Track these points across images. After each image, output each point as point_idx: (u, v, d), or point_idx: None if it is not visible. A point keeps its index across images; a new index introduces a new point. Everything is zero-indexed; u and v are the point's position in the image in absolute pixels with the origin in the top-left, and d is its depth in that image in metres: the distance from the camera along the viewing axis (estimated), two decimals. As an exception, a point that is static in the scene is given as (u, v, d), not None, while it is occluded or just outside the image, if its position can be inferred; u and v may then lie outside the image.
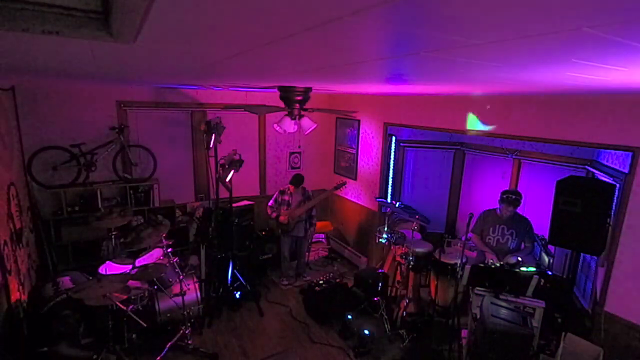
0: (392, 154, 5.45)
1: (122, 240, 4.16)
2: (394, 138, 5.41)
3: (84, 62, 1.76)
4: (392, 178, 5.54)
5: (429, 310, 4.21)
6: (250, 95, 5.57)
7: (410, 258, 4.14)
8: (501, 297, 3.19)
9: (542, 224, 4.22)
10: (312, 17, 0.76)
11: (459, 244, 4.38)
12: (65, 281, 3.70)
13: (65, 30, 0.86)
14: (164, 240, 3.80)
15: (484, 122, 4.02)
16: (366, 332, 3.86)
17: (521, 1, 0.61)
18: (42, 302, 3.40)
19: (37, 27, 0.84)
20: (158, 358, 3.45)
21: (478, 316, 3.10)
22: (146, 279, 3.56)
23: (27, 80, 3.87)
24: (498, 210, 3.96)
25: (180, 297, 3.68)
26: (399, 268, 4.35)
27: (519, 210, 3.97)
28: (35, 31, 0.85)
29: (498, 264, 3.73)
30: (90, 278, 3.57)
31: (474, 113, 4.11)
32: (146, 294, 3.68)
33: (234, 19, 0.82)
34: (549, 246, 4.18)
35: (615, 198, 3.04)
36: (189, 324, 3.76)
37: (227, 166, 4.36)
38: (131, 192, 4.80)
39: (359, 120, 5.76)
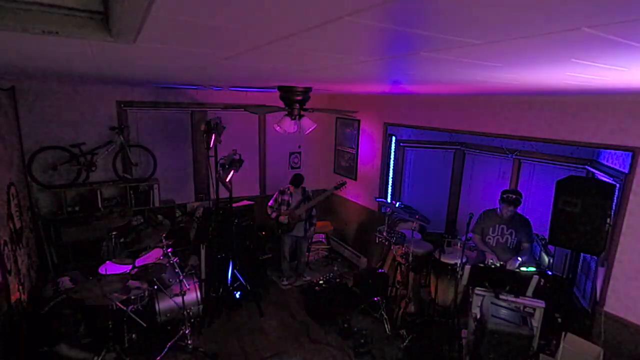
0: (392, 154, 5.45)
1: (122, 240, 4.16)
2: (394, 138, 5.41)
3: (84, 62, 1.76)
4: (392, 178, 5.54)
5: (429, 310, 4.21)
6: (250, 95, 5.57)
7: (410, 258, 4.14)
8: (501, 297, 3.19)
9: (542, 224, 4.22)
10: (311, 18, 0.76)
11: (459, 244, 4.39)
12: (65, 281, 3.71)
13: (65, 30, 0.86)
14: (164, 240, 3.80)
15: (484, 122, 4.02)
16: (366, 332, 3.85)
17: (521, 1, 0.61)
18: (42, 302, 3.41)
19: (37, 27, 0.84)
20: (158, 358, 3.45)
21: (478, 316, 3.11)
22: (146, 279, 3.57)
23: (27, 80, 3.87)
24: (498, 210, 3.95)
25: (180, 297, 3.68)
26: (399, 268, 4.35)
27: (519, 210, 3.97)
28: (35, 31, 0.85)
29: (498, 264, 3.73)
30: (90, 278, 3.57)
31: (474, 113, 4.11)
32: (146, 294, 3.68)
33: (233, 19, 0.82)
34: (549, 246, 4.18)
35: (615, 198, 3.04)
36: (189, 324, 3.76)
37: (227, 166, 4.36)
38: (131, 192, 4.80)
39: (359, 120, 5.76)
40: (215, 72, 2.14)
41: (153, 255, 4.11)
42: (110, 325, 3.24)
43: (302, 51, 1.23)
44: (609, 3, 0.59)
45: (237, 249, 4.88)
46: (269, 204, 5.03)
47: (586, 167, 4.03)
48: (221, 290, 4.50)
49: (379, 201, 5.33)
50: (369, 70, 1.76)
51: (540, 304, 3.20)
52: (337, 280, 4.68)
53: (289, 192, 4.97)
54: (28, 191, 4.26)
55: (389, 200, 5.45)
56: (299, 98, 3.36)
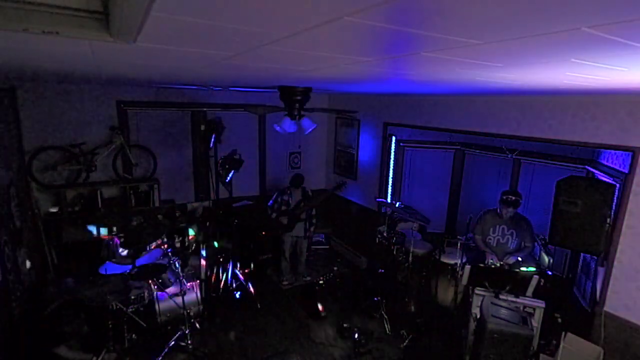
0: (392, 154, 5.45)
1: (122, 240, 4.16)
2: (394, 138, 5.41)
3: (84, 62, 1.76)
4: (392, 178, 5.54)
5: (429, 310, 4.21)
6: (250, 95, 5.57)
7: (410, 258, 4.14)
8: (501, 297, 3.19)
9: (542, 224, 4.22)
10: (311, 18, 0.76)
11: (459, 244, 4.39)
12: (68, 282, 3.71)
13: (65, 30, 0.86)
14: (164, 240, 3.80)
15: (484, 122, 4.02)
16: (366, 332, 3.85)
17: (521, 1, 0.61)
18: (45, 303, 3.41)
19: (37, 27, 0.84)
20: (158, 358, 3.45)
21: (478, 316, 3.11)
22: (146, 279, 3.57)
23: (27, 80, 3.87)
24: (498, 211, 3.96)
25: (180, 297, 3.68)
26: (399, 268, 4.35)
27: (519, 210, 3.98)
28: (35, 31, 0.86)
29: (498, 264, 3.74)
30: (91, 278, 3.57)
31: (474, 113, 4.11)
32: (146, 294, 3.68)
33: (233, 20, 0.82)
34: (549, 246, 4.18)
35: (615, 198, 3.05)
36: (189, 324, 3.76)
37: (227, 166, 4.36)
38: (131, 192, 4.80)
39: (359, 120, 5.76)
40: (215, 72, 2.14)
41: (153, 255, 4.11)
42: (110, 325, 3.24)
43: (302, 51, 1.23)
44: (609, 3, 0.59)
45: (237, 249, 4.88)
46: (269, 204, 5.03)
47: (586, 167, 4.03)
48: (221, 290, 4.50)
49: (379, 201, 5.33)
50: (369, 70, 1.76)
51: (540, 304, 3.20)
52: (337, 280, 4.68)
53: (288, 192, 4.97)
54: (28, 191, 4.26)
55: (389, 200, 5.45)
56: (299, 98, 3.36)
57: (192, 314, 3.89)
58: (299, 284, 5.18)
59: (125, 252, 4.17)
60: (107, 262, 3.91)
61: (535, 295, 3.26)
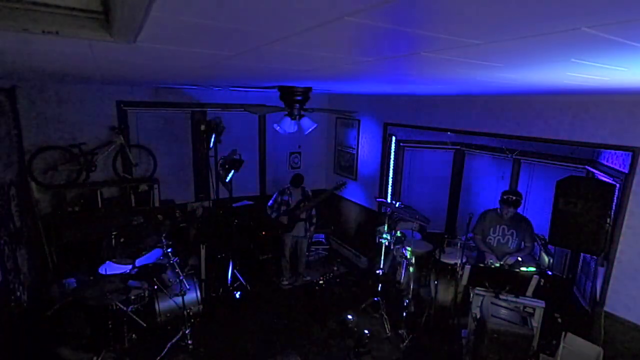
0: (392, 154, 5.45)
1: (122, 240, 4.16)
2: (394, 138, 5.41)
3: (84, 62, 1.76)
4: (392, 178, 5.54)
5: (429, 310, 4.21)
6: (250, 95, 5.57)
7: (410, 258, 4.14)
8: (501, 297, 3.19)
9: (542, 224, 4.22)
10: (311, 18, 0.76)
11: (459, 244, 4.39)
12: (72, 283, 3.71)
13: (65, 30, 0.86)
14: (164, 240, 3.80)
15: (484, 122, 4.02)
16: (366, 331, 3.85)
17: (521, 2, 0.61)
18: (48, 303, 3.40)
19: (37, 27, 0.84)
20: (158, 358, 3.45)
21: (478, 316, 3.11)
22: (146, 279, 3.57)
23: (27, 80, 3.87)
24: (498, 211, 3.95)
25: (180, 297, 3.68)
26: (399, 268, 4.35)
27: (519, 210, 3.97)
28: (35, 31, 0.86)
29: (498, 264, 3.73)
30: (91, 278, 3.57)
31: (474, 113, 4.11)
32: (146, 294, 3.68)
33: (233, 20, 0.82)
34: (549, 246, 4.18)
35: (615, 198, 3.05)
36: (189, 324, 3.76)
37: (227, 166, 4.36)
38: (131, 192, 4.80)
39: (359, 120, 5.76)
40: (215, 72, 2.14)
41: (153, 255, 4.11)
42: (110, 325, 3.24)
43: (302, 51, 1.23)
44: (609, 3, 0.59)
45: (237, 249, 4.88)
46: (269, 204, 5.03)
47: (586, 167, 4.03)
48: (221, 290, 4.50)
49: (379, 201, 5.33)
50: (369, 70, 1.76)
51: (540, 304, 3.20)
52: (337, 280, 4.68)
53: (288, 192, 4.97)
54: (28, 191, 4.26)
55: (389, 200, 5.45)
56: (299, 98, 3.36)
57: (192, 314, 3.89)
58: (299, 284, 5.18)
59: (125, 252, 4.17)
60: (107, 262, 3.91)
61: (535, 295, 3.26)
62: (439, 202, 5.72)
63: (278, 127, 3.62)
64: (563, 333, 3.12)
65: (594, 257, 3.55)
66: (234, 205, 4.85)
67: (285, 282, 5.20)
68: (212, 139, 4.42)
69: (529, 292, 3.26)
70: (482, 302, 3.13)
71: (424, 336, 3.95)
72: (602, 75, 1.49)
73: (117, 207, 4.71)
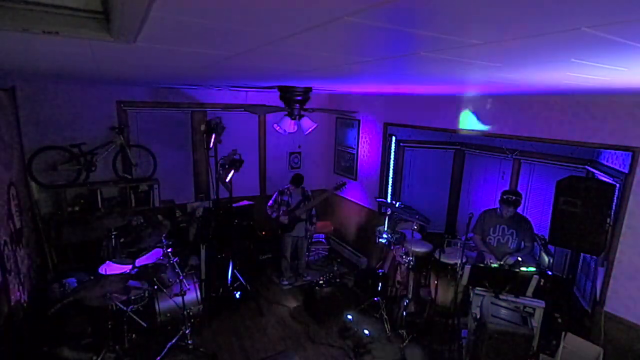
0: (392, 154, 5.45)
1: (122, 240, 4.16)
2: (394, 138, 5.41)
3: (84, 62, 1.76)
4: (392, 178, 5.54)
5: (429, 310, 4.21)
6: (250, 95, 5.57)
7: (410, 258, 4.14)
8: (501, 297, 3.19)
9: (542, 224, 4.22)
10: (311, 18, 0.76)
11: (459, 244, 4.39)
12: (72, 283, 3.71)
13: (65, 30, 0.86)
14: (164, 240, 3.80)
15: (484, 122, 4.02)
16: (366, 331, 3.85)
17: (521, 1, 0.61)
18: (49, 303, 3.40)
19: (37, 27, 0.84)
20: (158, 358, 3.45)
21: (478, 316, 3.11)
22: (146, 279, 3.57)
23: (27, 80, 3.87)
24: (498, 211, 3.95)
25: (180, 297, 3.68)
26: (399, 268, 4.35)
27: (519, 210, 3.97)
28: (35, 31, 0.86)
29: (497, 264, 3.73)
30: (91, 278, 3.57)
31: (474, 113, 4.11)
32: (146, 294, 3.68)
33: (233, 20, 0.82)
34: (549, 246, 4.18)
35: (615, 198, 3.05)
36: (189, 324, 3.76)
37: (227, 166, 4.36)
38: (131, 192, 4.80)
39: (359, 120, 5.76)
40: (215, 72, 2.14)
41: (153, 255, 4.11)
42: (110, 326, 3.24)
43: (302, 51, 1.23)
44: (609, 3, 0.59)
45: (237, 249, 4.88)
46: (269, 204, 5.03)
47: (586, 167, 4.03)
48: (221, 290, 4.50)
49: (379, 201, 5.33)
50: (369, 70, 1.76)
51: (540, 304, 3.20)
52: (337, 280, 4.68)
53: (288, 192, 4.97)
54: (28, 191, 4.26)
55: (389, 200, 5.45)
56: (299, 98, 3.36)
57: (192, 314, 3.89)
58: (299, 284, 5.18)
59: (125, 252, 4.17)
60: (107, 262, 3.91)
61: (535, 295, 3.25)
62: (439, 202, 5.72)
63: (278, 127, 3.62)
64: (563, 333, 3.12)
65: (594, 257, 3.55)
66: (234, 205, 4.85)
67: (285, 282, 5.20)
68: (212, 139, 4.42)
69: (529, 292, 3.26)
70: (482, 302, 3.13)
71: (424, 336, 3.95)
72: (602, 75, 1.49)
73: (117, 207, 4.71)
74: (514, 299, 3.20)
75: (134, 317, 3.34)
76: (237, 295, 4.58)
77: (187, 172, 5.50)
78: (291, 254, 5.25)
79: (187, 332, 3.70)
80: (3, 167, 3.40)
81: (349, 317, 4.18)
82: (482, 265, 3.56)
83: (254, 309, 4.52)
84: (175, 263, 3.83)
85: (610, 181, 3.31)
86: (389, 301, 4.42)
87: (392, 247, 4.73)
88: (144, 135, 5.02)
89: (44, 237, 4.37)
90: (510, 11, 0.67)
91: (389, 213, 4.81)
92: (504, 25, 0.77)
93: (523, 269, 3.50)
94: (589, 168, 3.96)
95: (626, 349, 3.07)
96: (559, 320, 3.39)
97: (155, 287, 3.74)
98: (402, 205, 4.52)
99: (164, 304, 3.77)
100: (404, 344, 3.88)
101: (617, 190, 3.14)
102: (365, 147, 5.70)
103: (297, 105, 3.41)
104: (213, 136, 4.40)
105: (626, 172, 3.06)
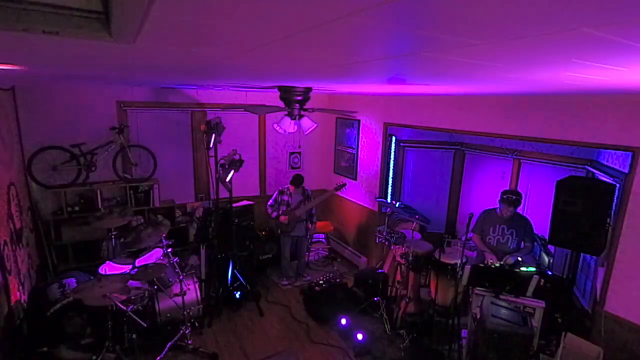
0: (392, 154, 5.45)
1: (122, 240, 4.16)
2: (394, 138, 5.41)
3: (84, 62, 1.76)
4: (392, 178, 5.54)
5: (429, 310, 4.20)
6: (250, 95, 5.57)
7: (410, 258, 4.13)
8: (501, 297, 3.19)
9: (542, 224, 4.22)
10: (311, 18, 0.76)
11: (459, 244, 4.38)
12: (71, 283, 3.71)
13: (65, 30, 0.86)
14: (164, 240, 3.80)
15: (484, 122, 4.02)
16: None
17: (521, 1, 0.61)
18: (49, 303, 3.40)
19: (37, 27, 0.84)
20: (158, 358, 3.45)
21: (478, 316, 3.10)
22: (146, 279, 3.56)
23: (27, 80, 3.87)
24: (498, 210, 3.95)
25: (180, 297, 3.68)
26: (399, 268, 4.35)
27: (518, 210, 3.97)
28: (35, 31, 0.86)
29: (498, 264, 3.73)
30: (92, 278, 3.57)
31: (474, 113, 4.11)
32: (146, 294, 3.68)
33: (234, 19, 0.82)
34: (549, 246, 4.18)
35: (615, 198, 3.04)
36: (189, 324, 3.76)
37: (227, 166, 4.35)
38: (131, 192, 4.80)
39: (359, 120, 5.76)
40: (215, 72, 2.14)
41: (153, 255, 4.11)
42: (110, 326, 3.24)
43: (303, 51, 1.23)
44: (609, 3, 0.59)
45: (237, 249, 4.88)
46: (269, 203, 5.03)
47: (586, 167, 4.03)
48: (221, 290, 4.50)
49: (379, 201, 5.33)
50: (369, 70, 1.76)
51: (540, 304, 3.20)
52: (337, 280, 4.68)
53: (288, 192, 4.97)
54: (28, 191, 4.26)
55: (389, 200, 5.45)
56: (299, 98, 3.36)
57: (192, 314, 3.89)
58: (299, 284, 5.18)
59: (125, 252, 4.17)
60: (107, 262, 3.91)
61: (535, 295, 3.25)
62: (439, 202, 5.72)
63: (278, 127, 3.62)
64: (563, 333, 3.12)
65: (594, 257, 3.55)
66: (234, 205, 4.85)
67: (285, 282, 5.20)
68: (212, 139, 4.42)
69: (529, 292, 3.25)
70: (482, 302, 3.13)
71: (424, 336, 3.95)
72: (602, 75, 1.49)
73: (117, 207, 4.71)
74: (514, 299, 3.20)
75: (134, 317, 3.33)
76: (237, 295, 4.58)
77: (187, 172, 5.51)
78: (291, 254, 5.25)
79: (187, 332, 3.70)
80: (3, 167, 3.40)
81: (349, 317, 4.17)
82: (482, 265, 3.56)
83: (254, 309, 4.52)
84: (175, 263, 3.82)
85: (610, 181, 3.31)
86: (389, 301, 4.42)
87: (392, 247, 4.73)
88: (144, 135, 5.02)
89: (44, 237, 4.37)
90: (510, 11, 0.67)
91: (389, 213, 4.81)
92: (504, 25, 0.77)
93: (523, 269, 3.50)
94: (589, 168, 3.96)
95: (626, 349, 3.07)
96: (559, 320, 3.38)
97: (155, 287, 3.74)
98: (402, 205, 4.52)
99: (164, 304, 3.77)
100: (404, 344, 3.88)
101: (617, 190, 3.14)
102: (365, 147, 5.70)
103: (297, 105, 3.41)
104: (213, 136, 4.39)
105: (626, 172, 3.06)
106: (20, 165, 4.12)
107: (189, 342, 3.70)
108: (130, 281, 3.29)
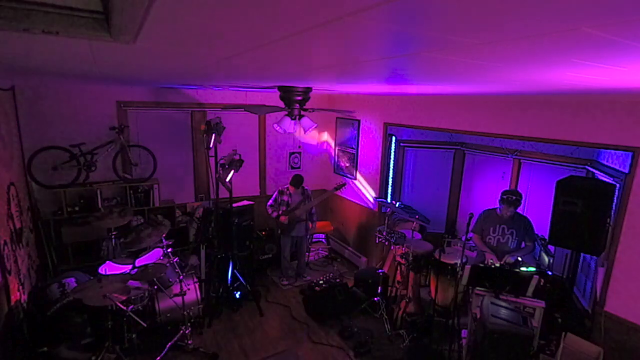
0: (392, 154, 5.45)
1: (122, 240, 4.16)
2: (394, 138, 5.41)
3: (84, 62, 1.76)
4: (392, 178, 5.54)
5: (429, 310, 4.21)
6: (250, 95, 5.57)
7: (410, 258, 4.14)
8: (501, 297, 3.19)
9: (542, 224, 4.22)
10: (311, 18, 0.76)
11: (459, 244, 4.38)
12: (71, 282, 3.70)
13: (65, 30, 0.86)
14: (164, 240, 3.80)
15: (484, 122, 4.02)
16: (366, 331, 3.83)
17: (521, 1, 0.61)
18: (48, 303, 3.40)
19: (37, 27, 0.84)
20: (158, 358, 3.45)
21: (478, 316, 3.10)
22: (146, 279, 3.57)
23: (27, 80, 3.87)
24: (498, 210, 3.95)
25: (180, 297, 3.68)
26: (399, 268, 4.35)
27: (519, 210, 3.97)
28: (35, 31, 0.86)
29: (498, 264, 3.73)
30: (92, 278, 3.57)
31: (474, 112, 4.11)
32: (146, 294, 3.68)
33: (234, 20, 0.82)
34: (549, 246, 4.18)
35: (615, 198, 3.04)
36: (189, 324, 3.76)
37: (227, 166, 4.35)
38: (131, 192, 4.80)
39: (359, 120, 5.76)
40: (215, 72, 2.14)
41: (153, 255, 4.11)
42: (110, 326, 3.24)
43: (303, 51, 1.23)
44: (609, 3, 0.59)
45: (237, 249, 4.88)
46: (269, 203, 5.03)
47: (586, 167, 4.03)
48: (221, 290, 4.50)
49: (379, 201, 5.33)
50: (369, 70, 1.76)
51: (540, 304, 3.20)
52: (337, 280, 4.68)
53: (288, 192, 4.97)
54: (28, 191, 4.26)
55: (389, 200, 5.45)
56: (299, 98, 3.36)
57: (192, 314, 3.89)
58: (299, 284, 5.18)
59: (125, 252, 4.17)
60: (107, 262, 3.91)
61: (535, 295, 3.25)
62: (439, 202, 5.72)
63: (278, 127, 3.62)
64: (563, 333, 3.12)
65: (594, 257, 3.55)
66: (234, 205, 4.85)
67: (285, 282, 5.21)
68: (212, 139, 4.42)
69: (529, 292, 3.25)
70: (482, 302, 3.13)
71: (424, 336, 3.95)
72: (602, 75, 1.49)
73: (117, 207, 4.71)
74: (514, 299, 3.20)
75: (134, 317, 3.34)
76: (237, 295, 4.58)
77: (187, 172, 5.51)
78: (291, 254, 5.25)
79: (187, 332, 3.70)
80: (3, 167, 3.40)
81: (349, 317, 4.17)
82: (482, 265, 3.56)
83: (254, 309, 4.52)
84: (175, 263, 3.82)
85: (610, 181, 3.31)
86: (389, 301, 4.42)
87: (392, 247, 4.73)
88: (144, 135, 5.02)
89: (44, 237, 4.37)
90: (511, 11, 0.67)
91: (389, 213, 4.81)
92: (504, 25, 0.77)
93: (523, 269, 3.50)
94: (589, 168, 3.96)
95: (626, 349, 3.07)
96: (559, 320, 3.39)
97: (155, 287, 3.74)
98: (402, 205, 4.52)
99: (164, 304, 3.77)
100: (404, 344, 3.88)
101: (617, 190, 3.13)
102: (365, 147, 5.70)
103: (297, 105, 3.41)
104: (213, 136, 4.39)
105: (626, 172, 3.06)
106: (20, 165, 4.12)
107: (189, 342, 3.70)
108: (130, 281, 3.29)
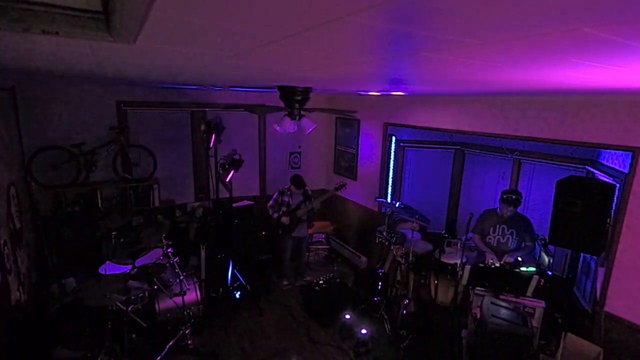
0: (392, 154, 5.45)
1: (122, 240, 4.16)
2: (394, 138, 5.41)
3: (84, 62, 1.76)
4: (392, 178, 5.54)
5: (429, 310, 4.21)
6: (250, 95, 5.57)
7: (410, 258, 4.14)
8: (501, 297, 3.19)
9: (542, 224, 4.22)
10: (312, 18, 0.76)
11: (459, 244, 4.39)
12: (71, 282, 3.71)
13: (65, 30, 0.86)
14: (164, 240, 3.80)
15: (484, 122, 4.02)
16: (366, 331, 3.84)
17: (521, 2, 0.61)
18: (48, 303, 3.40)
19: (37, 27, 0.84)
20: (158, 358, 3.45)
21: (478, 316, 3.11)
22: (146, 279, 3.57)
23: (27, 80, 3.87)
24: (498, 210, 3.95)
25: (180, 297, 3.68)
26: (399, 268, 4.35)
27: (519, 210, 3.97)
28: (35, 31, 0.86)
29: (498, 264, 3.73)
30: (91, 278, 3.57)
31: (474, 112, 4.11)
32: (146, 294, 3.68)
33: (234, 20, 0.82)
34: (549, 246, 4.18)
35: (615, 198, 3.04)
36: (189, 324, 3.76)
37: (227, 166, 4.36)
38: (131, 192, 4.80)
39: (359, 120, 5.76)
40: (215, 72, 2.14)
41: (153, 255, 4.11)
42: (110, 326, 3.24)
43: (303, 51, 1.23)
44: (609, 3, 0.59)
45: (237, 249, 4.88)
46: (269, 204, 5.03)
47: (586, 167, 4.03)
48: (221, 290, 4.50)
49: (379, 201, 5.33)
50: (369, 70, 1.76)
51: (540, 304, 3.20)
52: (337, 280, 4.68)
53: (288, 192, 4.97)
54: (28, 191, 4.26)
55: (389, 200, 5.45)
56: (299, 98, 3.35)
57: (192, 314, 3.89)
58: (299, 284, 5.18)
59: (125, 252, 4.17)
60: (107, 262, 3.91)
61: (535, 295, 3.26)
62: (439, 202, 5.72)
63: (278, 127, 3.62)
64: (563, 333, 3.12)
65: (594, 257, 3.55)
66: (234, 205, 4.85)
67: (285, 282, 5.20)
68: (212, 139, 4.42)
69: (529, 292, 3.26)
70: (482, 302, 3.13)
71: (424, 336, 3.95)
72: (602, 75, 1.49)
73: (117, 207, 4.71)
74: (514, 299, 3.20)
75: (134, 317, 3.34)
76: (237, 295, 4.58)
77: (187, 172, 5.50)
78: (291, 254, 5.25)
79: (187, 332, 3.70)
80: (3, 167, 3.40)
81: (349, 317, 4.17)
82: (482, 265, 3.57)
83: (254, 309, 4.52)
84: (175, 263, 3.82)
85: (610, 181, 3.31)
86: (389, 301, 4.42)
87: (392, 247, 4.73)
88: (144, 135, 5.02)
89: (44, 237, 4.36)
90: (511, 11, 0.67)
91: (389, 213, 4.81)
92: (503, 25, 0.77)
93: (523, 269, 3.50)
94: (589, 168, 3.96)
95: (626, 349, 3.07)
96: (559, 320, 3.39)
97: (155, 287, 3.74)
98: (402, 205, 4.52)
99: (164, 304, 3.77)
100: (404, 344, 3.88)
101: (617, 190, 3.13)
102: (365, 147, 5.70)
103: (297, 105, 3.41)
104: (213, 136, 4.40)
105: (626, 172, 3.06)
106: (20, 165, 4.12)
107: (189, 342, 3.70)
108: (130, 281, 3.29)
